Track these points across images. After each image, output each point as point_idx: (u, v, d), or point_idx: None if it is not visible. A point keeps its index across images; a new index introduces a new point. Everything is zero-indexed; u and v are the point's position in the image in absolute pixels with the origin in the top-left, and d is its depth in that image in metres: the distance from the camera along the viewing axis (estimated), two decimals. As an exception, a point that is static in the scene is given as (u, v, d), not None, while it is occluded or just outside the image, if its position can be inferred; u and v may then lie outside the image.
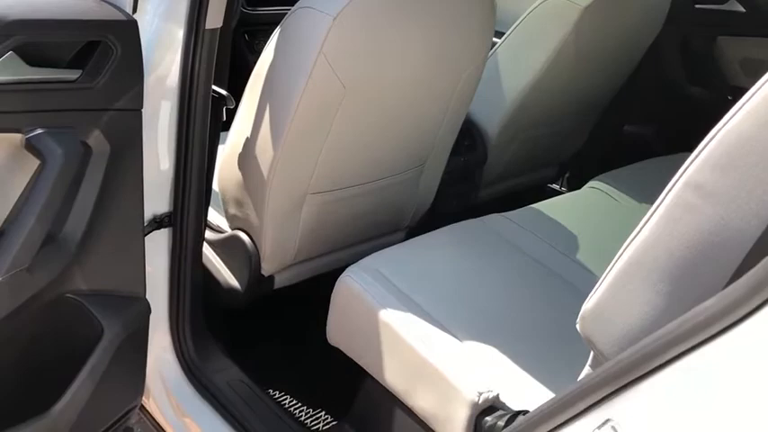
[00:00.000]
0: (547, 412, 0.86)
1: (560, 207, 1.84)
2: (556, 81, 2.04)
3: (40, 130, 1.00)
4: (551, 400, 0.87)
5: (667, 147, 2.35)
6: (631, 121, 2.66)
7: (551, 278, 1.53)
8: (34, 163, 1.04)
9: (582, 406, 0.79)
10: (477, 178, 2.18)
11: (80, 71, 1.03)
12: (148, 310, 1.29)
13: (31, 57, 0.97)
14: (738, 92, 2.39)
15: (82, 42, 1.03)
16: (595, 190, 1.97)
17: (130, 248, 1.22)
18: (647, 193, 1.92)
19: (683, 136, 2.30)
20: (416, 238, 1.59)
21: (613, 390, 0.75)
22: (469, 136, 2.08)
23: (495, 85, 2.05)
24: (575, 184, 2.25)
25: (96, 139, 1.07)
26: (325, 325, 1.49)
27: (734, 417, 0.65)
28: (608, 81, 2.25)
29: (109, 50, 1.04)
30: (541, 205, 1.83)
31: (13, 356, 1.11)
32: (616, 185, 1.97)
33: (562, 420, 0.82)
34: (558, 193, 2.69)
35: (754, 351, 0.65)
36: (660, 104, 2.55)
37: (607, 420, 0.74)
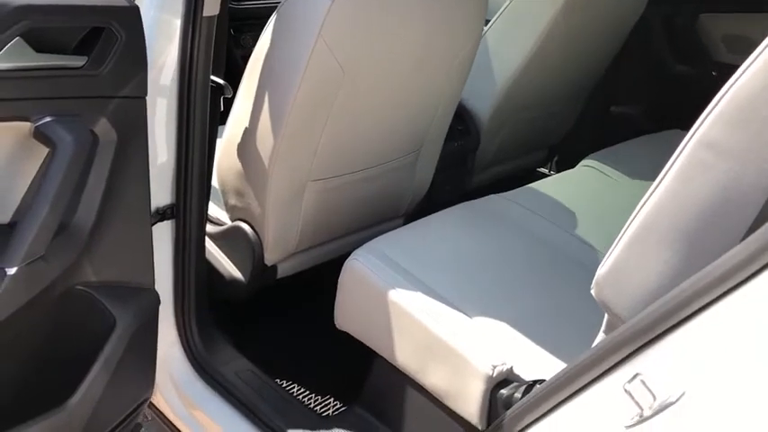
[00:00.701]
0: (570, 375, 0.87)
1: (557, 186, 1.85)
2: (545, 63, 2.05)
3: (48, 118, 1.00)
4: (572, 363, 0.88)
5: (654, 125, 2.38)
6: (618, 101, 2.68)
7: (554, 253, 1.55)
8: (42, 152, 1.03)
9: (608, 364, 0.80)
10: (470, 163, 2.20)
11: (85, 58, 1.03)
12: (158, 300, 1.28)
13: (37, 43, 0.97)
14: (723, 68, 2.44)
15: (86, 29, 1.02)
16: (589, 168, 1.99)
17: (139, 238, 1.22)
18: (641, 169, 1.96)
19: (670, 113, 2.33)
20: (419, 220, 1.60)
21: (640, 345, 0.76)
22: (462, 121, 2.10)
23: (486, 69, 2.06)
24: (563, 168, 2.27)
25: (103, 128, 1.07)
26: (330, 312, 1.50)
27: (763, 361, 0.67)
28: (595, 62, 2.27)
29: (113, 37, 1.04)
30: (538, 185, 1.84)
31: (27, 349, 1.11)
32: (609, 163, 2.00)
33: (588, 380, 0.83)
34: (548, 176, 2.71)
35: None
36: (646, 83, 2.58)
37: (636, 375, 0.75)
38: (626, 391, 0.75)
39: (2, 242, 1.01)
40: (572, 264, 1.52)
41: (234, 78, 1.47)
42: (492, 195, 1.75)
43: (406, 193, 1.84)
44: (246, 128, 1.47)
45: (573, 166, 2.06)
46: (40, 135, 1.00)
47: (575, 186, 1.88)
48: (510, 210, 1.68)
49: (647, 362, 0.76)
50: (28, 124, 1.01)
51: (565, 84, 2.24)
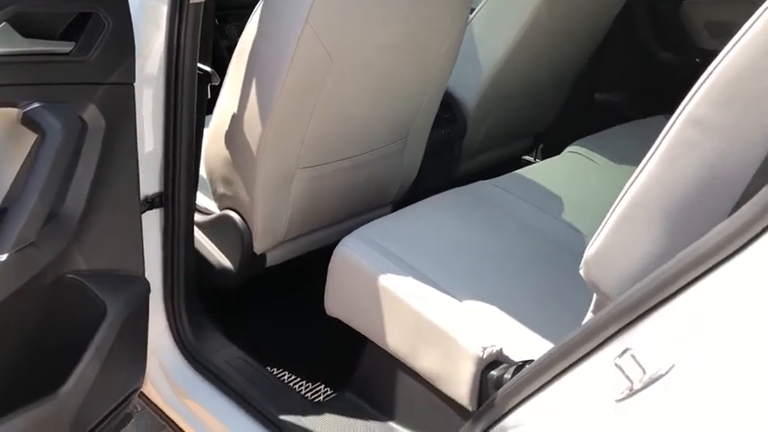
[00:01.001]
0: (560, 352, 0.88)
1: (543, 172, 1.87)
2: (530, 51, 2.06)
3: (36, 104, 0.99)
4: (562, 341, 0.89)
5: (639, 112, 2.40)
6: (602, 89, 2.70)
7: (541, 237, 1.56)
8: (29, 139, 1.03)
9: (598, 340, 0.82)
10: (457, 151, 2.21)
11: (73, 44, 1.02)
12: (148, 288, 1.28)
13: (23, 28, 0.96)
14: (706, 54, 2.46)
15: (73, 14, 1.02)
16: (575, 154, 2.01)
17: (128, 226, 1.21)
18: (627, 155, 1.98)
19: (655, 100, 2.35)
20: (407, 207, 1.61)
21: (630, 320, 0.78)
22: (448, 109, 2.10)
23: (472, 57, 2.07)
24: (549, 156, 2.29)
25: (91, 114, 1.07)
26: (320, 299, 1.50)
27: (754, 331, 0.68)
28: (579, 49, 2.28)
29: (100, 23, 1.03)
30: (525, 171, 1.86)
31: (18, 337, 1.10)
32: (595, 149, 2.02)
33: (578, 357, 0.85)
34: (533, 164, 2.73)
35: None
36: (630, 71, 2.60)
37: (626, 350, 0.77)
38: (616, 365, 0.76)
39: None
40: (559, 248, 1.53)
41: (219, 69, 1.47)
42: (480, 182, 1.76)
43: (394, 181, 1.84)
44: (234, 116, 1.47)
45: (558, 154, 2.08)
46: (29, 121, 1.00)
47: (561, 172, 1.90)
48: (498, 195, 1.69)
49: (637, 337, 0.77)
50: (15, 111, 1.00)
51: (550, 71, 2.25)
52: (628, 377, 0.75)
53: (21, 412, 1.09)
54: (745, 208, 0.72)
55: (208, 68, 1.40)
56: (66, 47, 1.02)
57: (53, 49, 1.01)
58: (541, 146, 2.74)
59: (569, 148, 2.05)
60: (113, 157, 1.13)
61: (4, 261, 0.99)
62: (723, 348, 0.71)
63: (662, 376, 0.73)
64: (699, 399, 0.71)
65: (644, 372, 0.74)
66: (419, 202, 1.63)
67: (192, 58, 1.32)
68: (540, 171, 1.88)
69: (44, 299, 1.11)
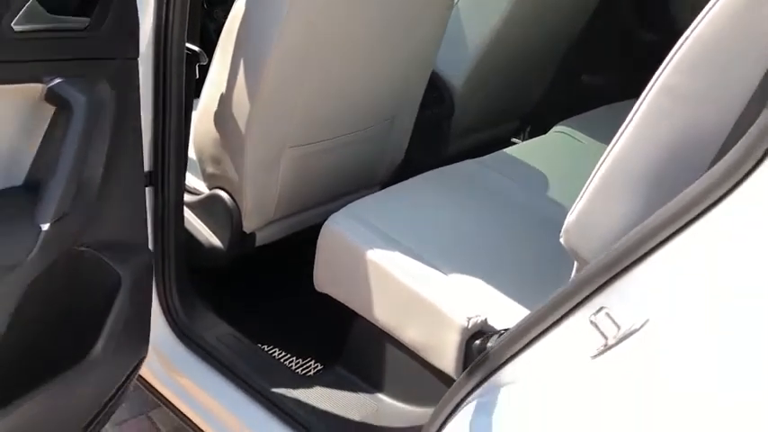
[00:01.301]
0: (539, 315, 0.91)
1: (529, 151, 1.89)
2: (517, 27, 2.08)
3: (59, 79, 1.02)
4: (541, 304, 0.91)
5: (625, 94, 2.42)
6: (589, 71, 2.72)
7: (525, 213, 1.59)
8: (46, 115, 1.05)
9: (575, 301, 0.84)
10: (445, 131, 2.22)
11: (87, 20, 1.04)
12: (152, 258, 1.32)
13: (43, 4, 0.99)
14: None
15: None
16: (561, 134, 2.03)
17: (135, 198, 1.24)
18: (611, 134, 1.98)
19: (640, 82, 2.37)
20: (394, 185, 1.63)
21: (605, 280, 0.80)
22: (435, 88, 2.12)
23: (458, 36, 2.08)
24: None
25: (104, 89, 1.09)
26: (309, 277, 1.53)
27: (724, 285, 0.71)
28: (566, 28, 2.30)
29: None
30: (511, 150, 1.88)
31: (45, 309, 1.13)
32: (580, 129, 2.04)
33: (555, 319, 0.87)
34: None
35: (740, 222, 0.71)
36: (616, 53, 2.62)
37: (601, 308, 0.79)
38: (591, 322, 0.79)
39: (27, 202, 1.04)
40: (543, 223, 1.55)
41: (207, 51, 1.48)
42: (466, 161, 1.78)
43: (382, 161, 1.86)
44: (222, 94, 1.48)
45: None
46: (54, 96, 1.03)
47: (546, 151, 1.93)
48: (483, 173, 1.72)
49: (612, 295, 0.80)
50: (33, 87, 1.03)
51: (537, 48, 2.27)
52: (603, 333, 0.78)
53: (57, 381, 1.14)
54: (713, 170, 0.74)
55: (196, 48, 1.42)
56: (81, 23, 1.04)
57: (71, 25, 1.03)
58: (529, 128, 2.76)
59: (555, 128, 2.08)
60: (122, 131, 1.15)
61: (47, 230, 1.03)
62: (696, 302, 0.74)
63: (636, 331, 0.75)
64: (672, 352, 0.74)
65: (618, 328, 0.77)
66: (406, 181, 1.65)
67: (181, 35, 1.33)
68: (525, 150, 1.90)
69: (65, 270, 1.14)
